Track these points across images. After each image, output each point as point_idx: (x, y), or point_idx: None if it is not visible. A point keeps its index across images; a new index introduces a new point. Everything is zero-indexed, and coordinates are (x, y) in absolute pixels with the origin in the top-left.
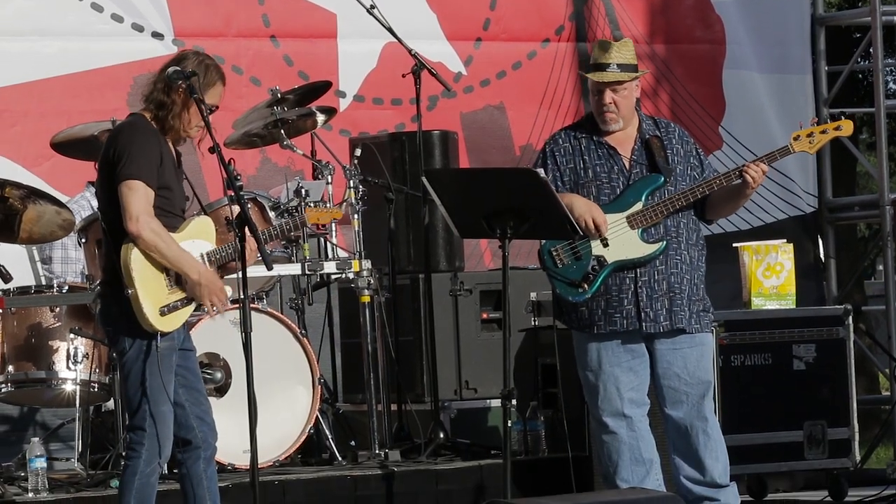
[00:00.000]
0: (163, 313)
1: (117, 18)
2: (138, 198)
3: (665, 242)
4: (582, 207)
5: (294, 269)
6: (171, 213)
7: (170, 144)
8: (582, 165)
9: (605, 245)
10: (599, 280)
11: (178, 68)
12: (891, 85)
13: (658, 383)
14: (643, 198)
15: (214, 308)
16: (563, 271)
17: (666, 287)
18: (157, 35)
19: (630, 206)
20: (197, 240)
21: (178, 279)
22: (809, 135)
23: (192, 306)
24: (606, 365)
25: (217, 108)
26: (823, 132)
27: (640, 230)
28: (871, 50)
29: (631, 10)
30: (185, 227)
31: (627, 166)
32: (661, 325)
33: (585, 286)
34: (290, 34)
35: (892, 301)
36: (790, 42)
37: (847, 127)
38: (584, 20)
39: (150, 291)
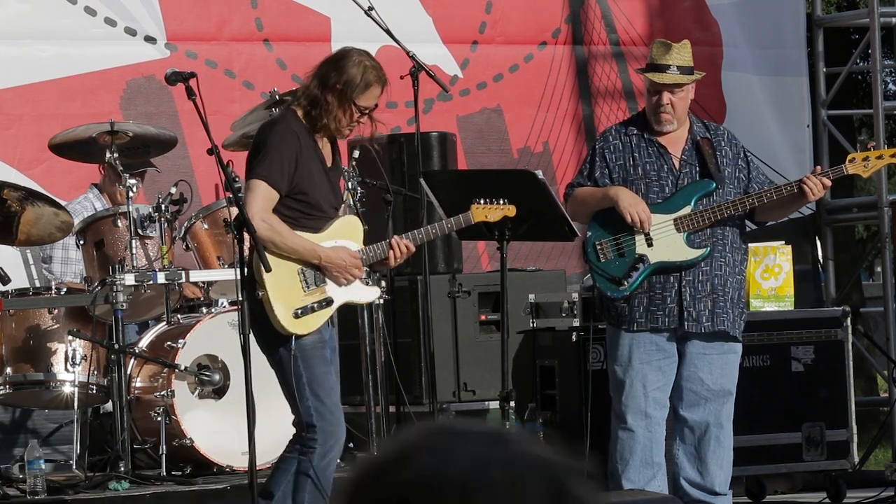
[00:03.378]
0: (297, 315)
1: (110, 22)
2: (256, 196)
3: (709, 248)
4: (627, 200)
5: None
6: (314, 216)
7: (319, 143)
8: (632, 162)
9: (650, 245)
10: (639, 279)
11: (175, 70)
12: (889, 86)
13: (679, 384)
14: (693, 202)
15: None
16: (605, 266)
17: (710, 288)
18: (149, 39)
19: (679, 208)
20: (341, 240)
21: (315, 280)
22: (865, 158)
23: (332, 308)
24: (636, 361)
25: (374, 108)
26: (879, 157)
27: (685, 234)
28: (869, 51)
29: (629, 12)
30: (328, 228)
31: (677, 166)
32: (703, 325)
33: (625, 283)
34: (284, 38)
35: (890, 303)
36: (786, 44)
37: None
38: (580, 23)
39: (283, 293)
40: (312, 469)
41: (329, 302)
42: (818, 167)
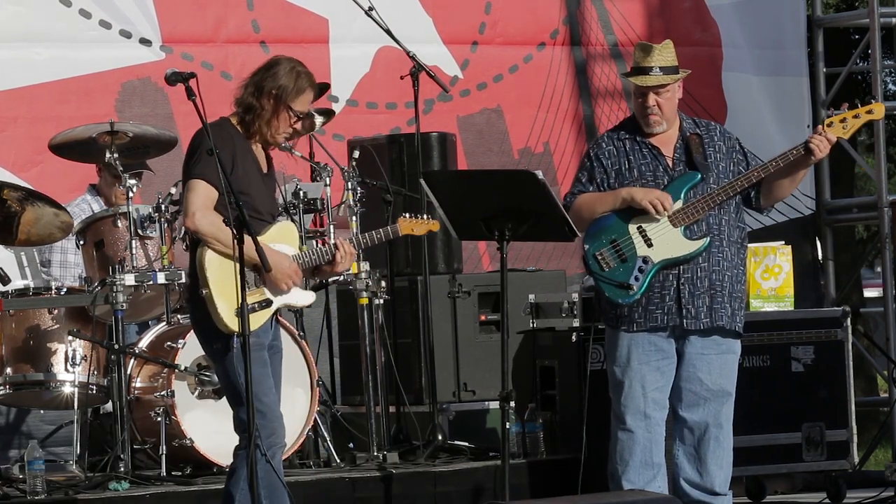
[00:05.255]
0: (238, 314)
1: (105, 25)
2: (196, 195)
3: (709, 238)
4: (641, 193)
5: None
6: (252, 218)
7: (254, 149)
8: (627, 166)
9: (650, 245)
10: (647, 280)
11: (175, 70)
12: (889, 86)
13: (678, 385)
14: (682, 195)
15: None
16: (610, 274)
17: (707, 284)
18: (144, 41)
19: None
20: (277, 244)
21: (255, 281)
22: (843, 120)
23: (272, 309)
24: (635, 362)
25: (306, 114)
26: (856, 117)
27: (682, 228)
28: (869, 51)
29: (627, 12)
30: (266, 232)
31: (671, 165)
32: (702, 322)
33: (634, 287)
34: (281, 39)
35: (890, 303)
36: (786, 44)
37: (878, 110)
38: (577, 24)
39: (226, 292)
40: (260, 467)
41: (268, 303)
42: (819, 126)
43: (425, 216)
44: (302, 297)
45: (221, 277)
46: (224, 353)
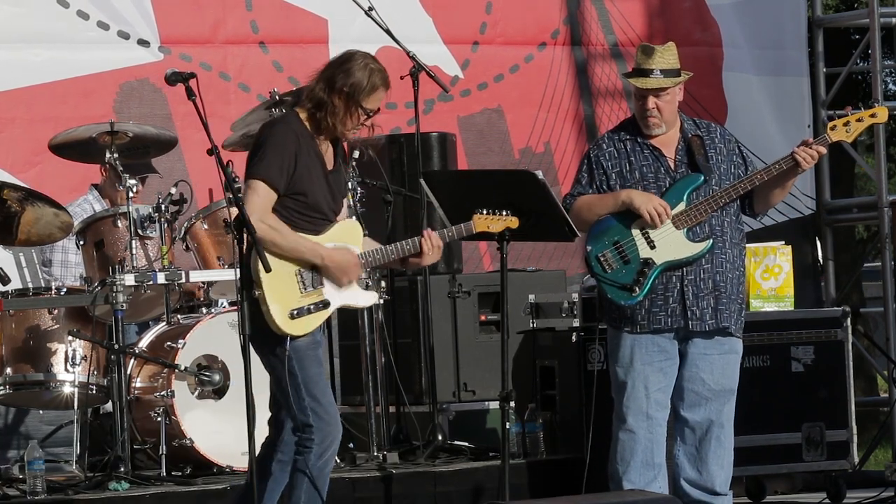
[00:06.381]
0: (292, 316)
1: (103, 26)
2: (256, 197)
3: (711, 241)
4: (640, 198)
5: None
6: (312, 218)
7: (321, 145)
8: (628, 168)
9: (653, 247)
10: (650, 282)
11: (175, 70)
12: (889, 86)
13: (681, 385)
14: (685, 198)
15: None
16: (613, 276)
17: (712, 286)
18: (143, 42)
19: (673, 207)
20: (340, 244)
21: (312, 282)
22: (846, 123)
23: (328, 311)
24: (638, 363)
25: (377, 111)
26: (859, 120)
27: (685, 230)
28: (869, 51)
29: (627, 13)
30: (327, 231)
31: (673, 167)
32: (707, 323)
33: (637, 289)
34: (280, 40)
35: (890, 303)
36: (786, 44)
37: (882, 114)
38: (577, 24)
39: (279, 294)
40: (308, 468)
41: (325, 304)
42: (807, 139)
43: (505, 212)
44: (363, 297)
45: (275, 280)
46: (276, 355)
